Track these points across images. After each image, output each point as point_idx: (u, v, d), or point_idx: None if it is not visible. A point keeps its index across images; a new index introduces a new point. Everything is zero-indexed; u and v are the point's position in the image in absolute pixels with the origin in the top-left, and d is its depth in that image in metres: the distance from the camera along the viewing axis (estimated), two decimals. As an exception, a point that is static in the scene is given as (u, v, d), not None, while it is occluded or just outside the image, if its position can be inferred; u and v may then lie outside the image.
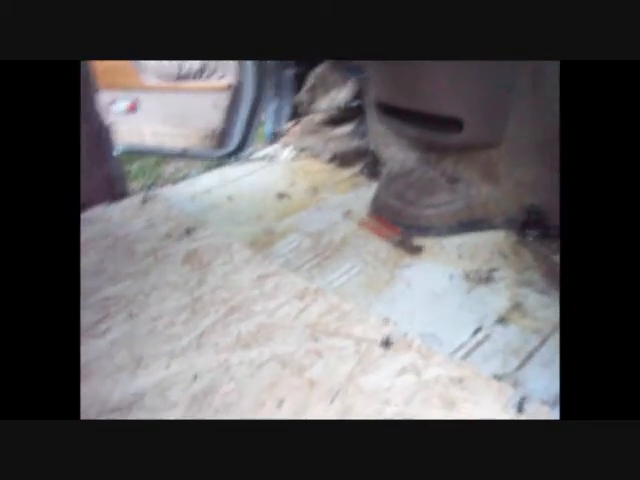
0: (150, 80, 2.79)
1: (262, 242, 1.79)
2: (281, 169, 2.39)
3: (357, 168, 2.30)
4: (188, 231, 1.73)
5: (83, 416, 1.05)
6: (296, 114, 2.70)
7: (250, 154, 2.62)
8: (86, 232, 1.76)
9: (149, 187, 2.41)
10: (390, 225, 1.81)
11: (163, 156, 3.40)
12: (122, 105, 2.81)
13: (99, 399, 1.19)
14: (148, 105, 2.83)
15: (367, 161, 2.27)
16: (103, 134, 1.89)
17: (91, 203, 1.88)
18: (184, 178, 2.53)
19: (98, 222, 1.85)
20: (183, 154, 2.90)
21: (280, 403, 1.17)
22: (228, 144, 2.69)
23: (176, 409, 1.17)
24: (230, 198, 2.12)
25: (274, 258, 1.67)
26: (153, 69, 2.75)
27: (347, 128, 2.48)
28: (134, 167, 3.54)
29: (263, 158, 2.52)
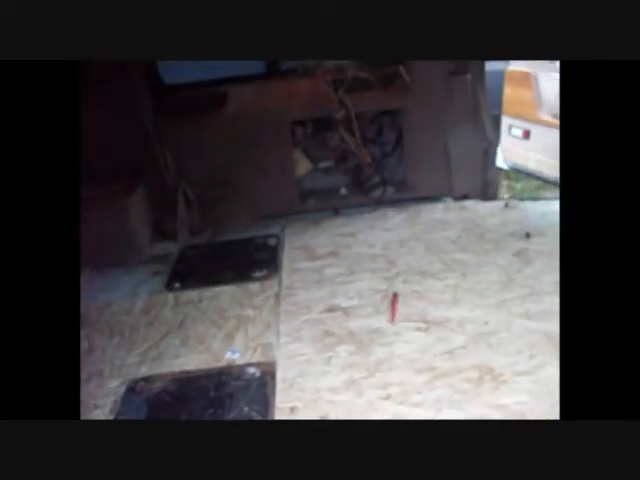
0: (544, 116, 3.36)
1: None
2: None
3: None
4: (527, 235, 2.14)
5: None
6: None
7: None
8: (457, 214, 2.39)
9: (511, 197, 3.20)
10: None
11: (544, 182, 3.70)
12: (518, 132, 3.63)
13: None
14: (537, 136, 3.45)
15: None
16: (491, 149, 2.49)
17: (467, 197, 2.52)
18: (544, 199, 3.08)
19: (468, 210, 2.43)
20: (557, 183, 3.08)
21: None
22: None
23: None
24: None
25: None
26: (550, 108, 3.26)
27: None
28: (518, 185, 3.97)
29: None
